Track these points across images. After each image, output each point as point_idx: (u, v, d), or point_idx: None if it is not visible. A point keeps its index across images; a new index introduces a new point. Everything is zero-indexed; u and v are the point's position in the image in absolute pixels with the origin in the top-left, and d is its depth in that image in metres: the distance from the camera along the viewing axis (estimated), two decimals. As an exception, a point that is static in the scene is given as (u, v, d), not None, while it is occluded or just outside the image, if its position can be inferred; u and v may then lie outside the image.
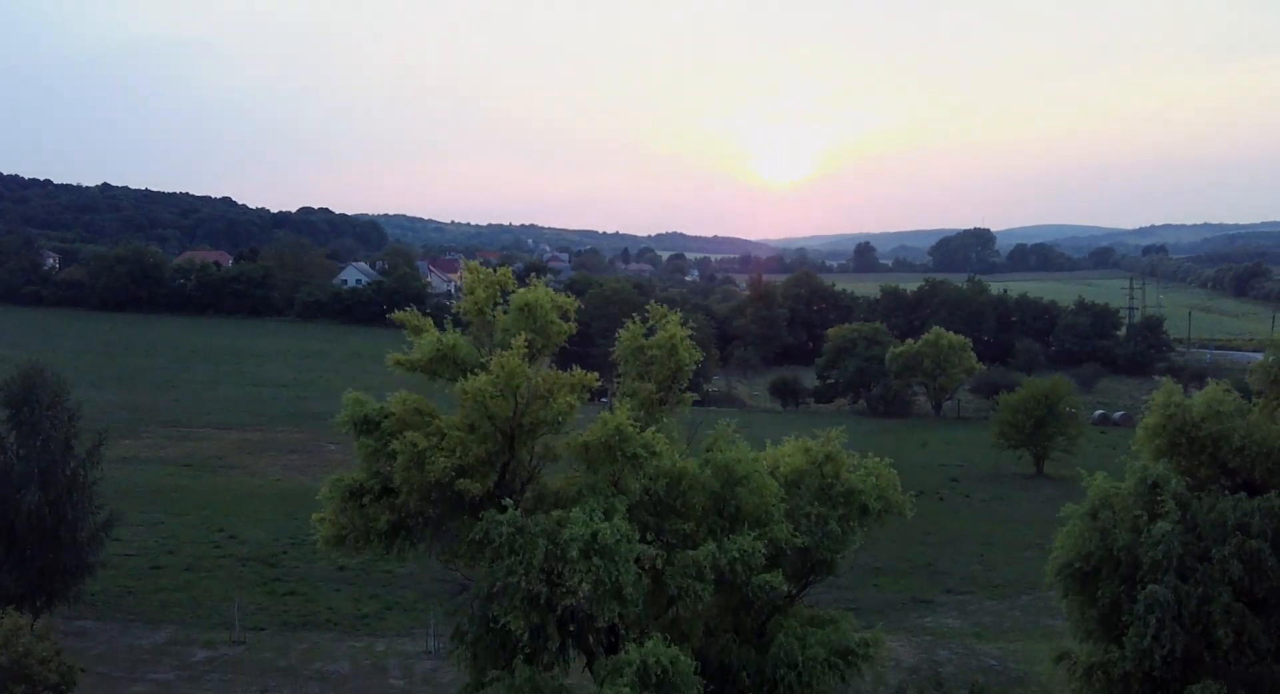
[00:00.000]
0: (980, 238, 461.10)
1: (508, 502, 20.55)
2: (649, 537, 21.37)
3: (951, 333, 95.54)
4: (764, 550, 21.33)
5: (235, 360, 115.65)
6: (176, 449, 71.91)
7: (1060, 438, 67.49)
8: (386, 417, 22.35)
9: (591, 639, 22.35)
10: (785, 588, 21.43)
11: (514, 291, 23.32)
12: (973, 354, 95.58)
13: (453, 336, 22.53)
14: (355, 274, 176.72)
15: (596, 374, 22.26)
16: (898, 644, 37.59)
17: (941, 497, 64.01)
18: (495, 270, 24.03)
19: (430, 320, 23.62)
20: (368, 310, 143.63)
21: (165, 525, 53.01)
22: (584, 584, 19.48)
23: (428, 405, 22.48)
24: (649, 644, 19.66)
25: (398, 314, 23.97)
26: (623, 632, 21.33)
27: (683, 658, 19.71)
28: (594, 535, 19.80)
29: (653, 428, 21.64)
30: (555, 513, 20.88)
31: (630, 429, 21.15)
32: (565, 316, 23.15)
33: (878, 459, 24.63)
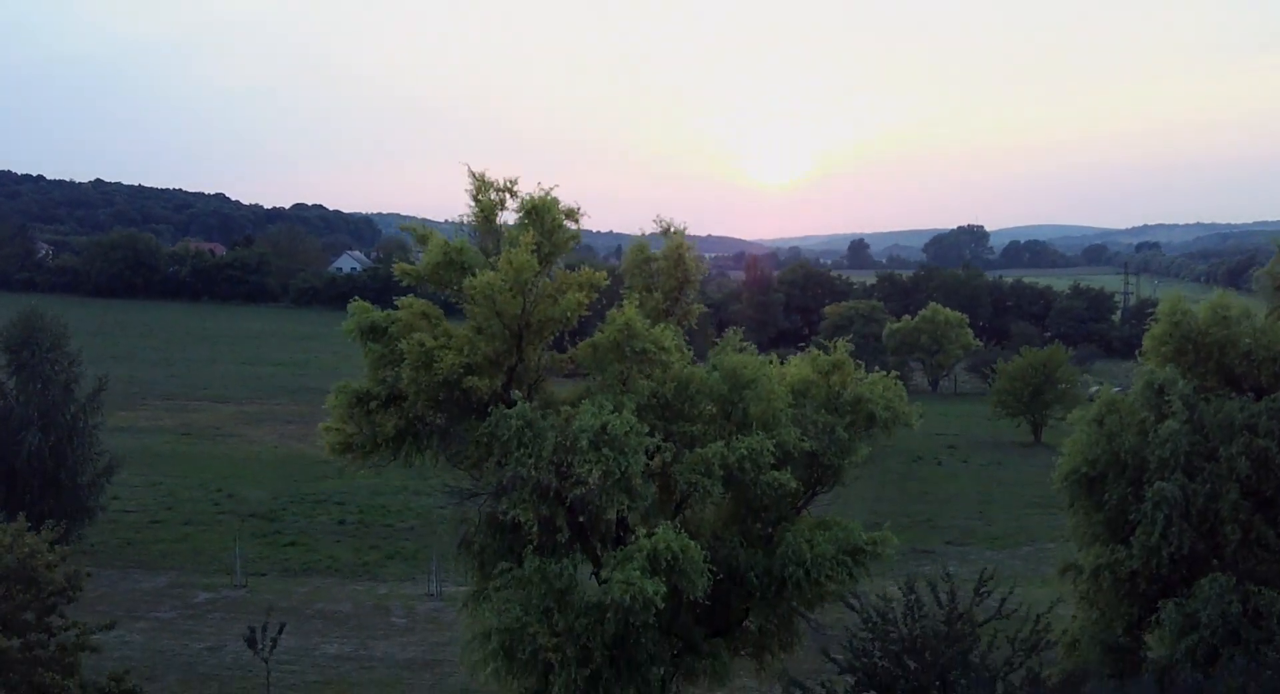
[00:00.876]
0: (974, 235, 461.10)
1: (517, 394, 20.51)
2: (657, 437, 21.32)
3: (948, 309, 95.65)
4: (772, 449, 21.31)
5: (231, 342, 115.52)
6: (174, 419, 71.80)
7: (1058, 406, 67.60)
8: (394, 322, 22.28)
9: (599, 545, 22.32)
10: (794, 485, 21.36)
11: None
12: (969, 331, 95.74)
13: (460, 241, 22.45)
14: (350, 262, 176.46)
15: (605, 272, 22.24)
16: (898, 590, 37.64)
17: (940, 461, 64.21)
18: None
19: (435, 230, 23.55)
20: (363, 297, 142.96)
21: (164, 486, 52.93)
22: (593, 473, 19.44)
23: (434, 310, 22.46)
24: (659, 532, 19.64)
25: (403, 224, 23.91)
26: (632, 527, 21.27)
27: (693, 544, 19.71)
28: (603, 427, 19.77)
29: (662, 325, 21.63)
30: (564, 408, 20.87)
31: (639, 325, 21.13)
32: (573, 219, 23.06)
33: (883, 373, 24.69)
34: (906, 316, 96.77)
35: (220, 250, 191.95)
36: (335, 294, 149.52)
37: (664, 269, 23.82)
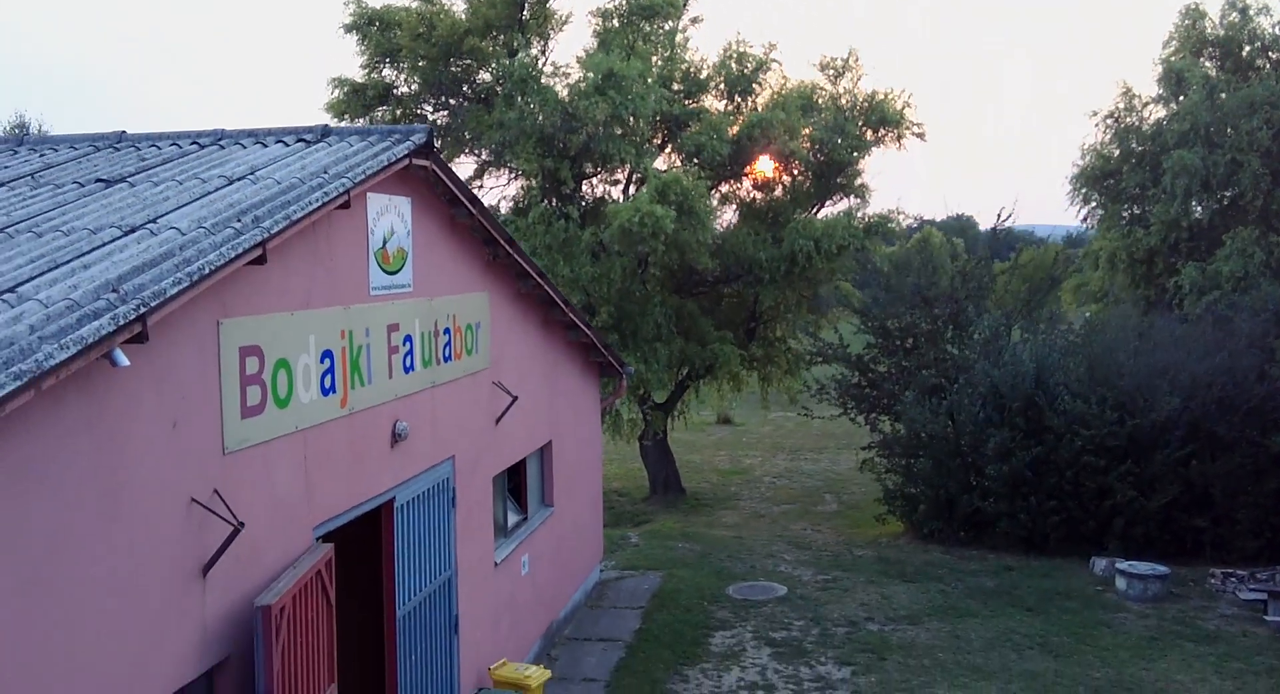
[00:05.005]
0: (963, 223, 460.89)
1: (519, 42, 19.89)
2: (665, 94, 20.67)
3: (941, 233, 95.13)
4: (784, 120, 20.75)
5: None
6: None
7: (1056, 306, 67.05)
8: (388, 9, 21.64)
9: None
10: (804, 154, 20.75)
11: None
12: (966, 256, 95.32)
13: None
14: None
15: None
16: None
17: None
18: None
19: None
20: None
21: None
22: (599, 111, 18.83)
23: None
24: (668, 172, 19.05)
25: None
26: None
27: (702, 183, 19.13)
28: (610, 71, 19.16)
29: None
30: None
31: (647, -14, 20.57)
32: None
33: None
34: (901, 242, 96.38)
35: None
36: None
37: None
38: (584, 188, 21.71)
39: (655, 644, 13.10)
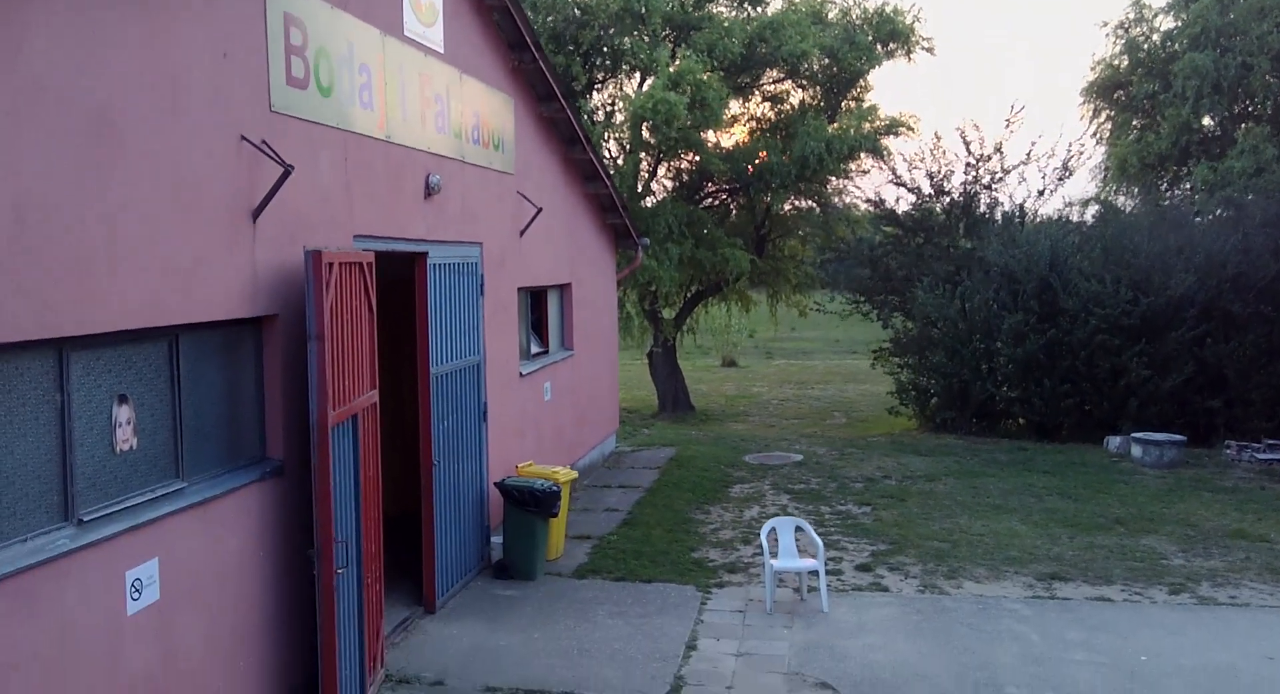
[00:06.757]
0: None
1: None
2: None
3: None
4: (796, 21, 20.68)
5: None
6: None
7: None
8: None
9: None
10: (815, 56, 20.70)
11: None
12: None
13: None
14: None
15: None
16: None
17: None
18: None
19: None
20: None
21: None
22: (612, 3, 18.79)
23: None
24: (683, 62, 18.99)
25: None
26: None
27: (715, 76, 19.09)
28: (622, -36, 19.10)
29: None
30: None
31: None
32: None
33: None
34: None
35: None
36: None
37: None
38: (595, 98, 21.69)
39: (676, 489, 13.10)
